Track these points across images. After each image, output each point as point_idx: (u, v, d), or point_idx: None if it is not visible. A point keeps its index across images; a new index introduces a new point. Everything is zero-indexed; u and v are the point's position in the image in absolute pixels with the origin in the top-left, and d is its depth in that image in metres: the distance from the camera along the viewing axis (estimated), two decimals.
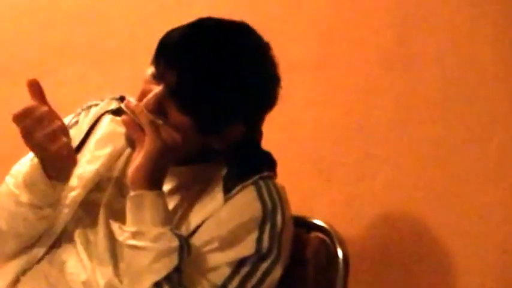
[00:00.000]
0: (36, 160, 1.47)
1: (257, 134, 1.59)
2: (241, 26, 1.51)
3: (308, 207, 1.73)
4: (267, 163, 1.56)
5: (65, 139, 1.42)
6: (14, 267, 1.55)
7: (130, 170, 1.44)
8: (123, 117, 1.47)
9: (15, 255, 1.56)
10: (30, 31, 2.33)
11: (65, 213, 1.55)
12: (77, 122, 1.64)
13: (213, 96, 1.43)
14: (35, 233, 1.54)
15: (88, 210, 1.54)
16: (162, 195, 1.44)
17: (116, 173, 1.57)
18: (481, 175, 1.87)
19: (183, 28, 1.47)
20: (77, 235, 1.53)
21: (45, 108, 1.40)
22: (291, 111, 1.95)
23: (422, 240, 1.90)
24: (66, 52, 2.28)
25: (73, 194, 1.55)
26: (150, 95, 1.44)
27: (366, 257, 1.91)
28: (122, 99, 1.55)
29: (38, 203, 1.49)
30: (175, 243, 1.38)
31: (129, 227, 1.41)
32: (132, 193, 1.43)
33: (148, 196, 1.42)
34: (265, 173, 1.52)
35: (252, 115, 1.52)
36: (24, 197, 1.48)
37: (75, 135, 1.60)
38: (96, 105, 1.66)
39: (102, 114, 1.63)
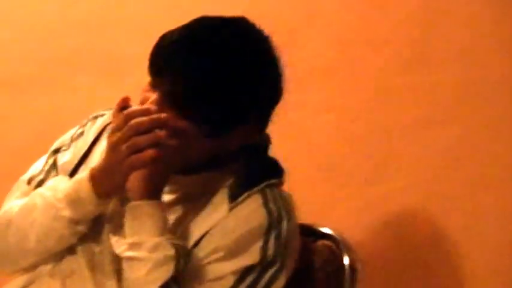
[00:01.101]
0: (83, 176, 1.46)
1: (264, 140, 1.57)
2: (238, 22, 1.48)
3: (320, 214, 1.74)
4: (274, 171, 1.54)
5: None
6: (19, 281, 1.55)
7: (129, 179, 1.43)
8: None
9: (26, 269, 1.55)
10: (38, 42, 2.32)
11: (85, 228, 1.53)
12: (82, 133, 1.64)
13: (212, 98, 1.41)
14: (63, 248, 1.52)
15: (93, 222, 1.52)
16: (159, 204, 1.43)
17: None
18: (497, 178, 1.87)
19: (175, 32, 1.46)
20: (81, 248, 1.51)
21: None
22: (302, 118, 1.96)
23: (437, 246, 1.90)
24: (74, 62, 2.28)
25: None
26: (147, 103, 1.42)
27: (379, 264, 1.91)
28: (123, 109, 1.49)
29: (78, 218, 1.48)
30: (171, 252, 1.37)
31: (127, 239, 1.41)
32: (129, 204, 1.43)
33: (146, 206, 1.41)
34: (272, 181, 1.50)
35: (257, 112, 1.49)
36: (67, 212, 1.47)
37: (81, 147, 1.60)
38: (102, 115, 1.64)
39: (108, 124, 1.60)
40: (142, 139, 1.38)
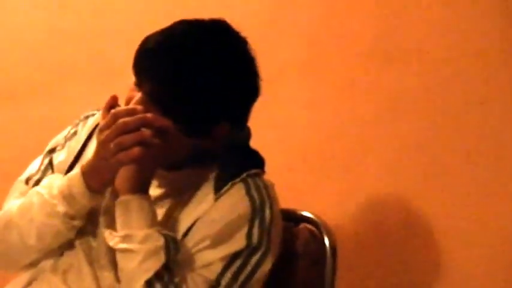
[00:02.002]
0: (75, 173, 1.51)
1: (245, 133, 1.62)
2: (216, 24, 1.52)
3: (300, 202, 1.75)
4: (255, 161, 1.59)
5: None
6: (23, 278, 1.58)
7: (118, 175, 1.49)
8: None
9: (29, 266, 1.58)
10: (31, 53, 2.36)
11: (81, 223, 1.56)
12: (75, 133, 1.68)
13: (190, 99, 1.46)
14: (60, 243, 1.56)
15: (90, 217, 1.56)
16: (147, 198, 1.48)
17: None
18: (464, 161, 1.94)
19: (158, 33, 1.50)
20: (79, 242, 1.55)
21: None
22: (281, 110, 2.01)
23: (410, 227, 1.96)
24: (68, 71, 2.31)
25: None
26: (131, 103, 1.47)
27: (357, 246, 1.96)
28: (113, 108, 1.55)
29: (74, 213, 1.52)
30: (161, 241, 1.43)
31: (119, 231, 1.46)
32: (118, 199, 1.48)
33: (134, 200, 1.46)
34: (253, 171, 1.55)
35: (235, 111, 1.54)
36: (61, 208, 1.50)
37: (75, 146, 1.64)
38: (93, 115, 1.69)
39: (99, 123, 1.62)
40: (129, 138, 1.42)
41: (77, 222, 1.53)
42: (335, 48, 2.07)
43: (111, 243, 1.47)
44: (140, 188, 1.48)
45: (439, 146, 1.96)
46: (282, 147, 2.02)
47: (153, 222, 1.47)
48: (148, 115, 1.43)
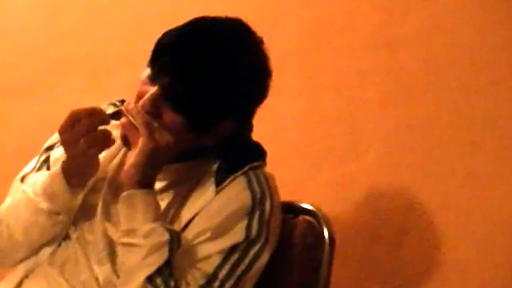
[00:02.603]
0: (56, 170, 1.53)
1: (248, 127, 1.63)
2: (235, 23, 1.55)
3: (299, 193, 1.78)
4: (257, 153, 1.61)
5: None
6: (20, 271, 1.60)
7: (124, 169, 1.50)
8: (122, 119, 1.52)
9: (22, 261, 1.60)
10: (29, 51, 2.38)
11: (66, 217, 1.58)
12: None
13: (206, 96, 1.48)
14: (48, 238, 1.58)
15: (85, 212, 1.58)
16: (153, 193, 1.49)
17: (109, 173, 1.61)
18: (463, 152, 1.94)
19: (177, 30, 1.52)
20: (76, 236, 1.57)
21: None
22: (279, 100, 1.93)
23: (408, 216, 1.96)
24: (64, 69, 2.33)
25: None
26: (146, 97, 1.49)
27: (355, 235, 1.97)
28: (122, 102, 1.59)
29: (57, 209, 1.54)
30: (165, 237, 1.43)
31: (122, 226, 1.47)
32: (123, 193, 1.48)
33: (140, 195, 1.47)
34: (255, 163, 1.56)
35: (244, 110, 1.57)
36: (44, 205, 1.53)
37: None
38: None
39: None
40: (96, 135, 1.48)
41: (61, 218, 1.55)
42: (333, 34, 2.07)
43: (114, 237, 1.49)
44: (146, 183, 1.49)
45: (438, 138, 1.96)
46: (280, 139, 2.03)
47: (157, 216, 1.47)
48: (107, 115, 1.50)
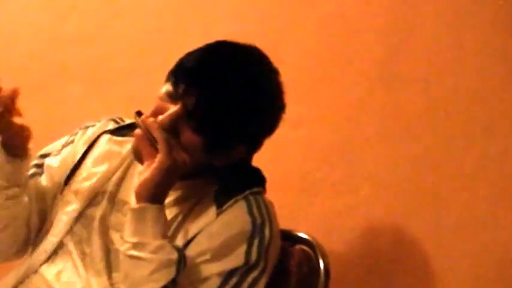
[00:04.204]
0: None
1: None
2: (255, 51, 1.58)
3: (294, 221, 1.78)
4: (257, 179, 1.63)
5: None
6: (13, 277, 1.61)
7: (137, 183, 1.49)
8: (137, 131, 1.52)
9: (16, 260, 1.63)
10: (32, 54, 2.38)
11: (62, 226, 1.61)
12: (72, 141, 1.71)
13: (228, 120, 1.50)
14: (8, 214, 1.59)
15: (84, 224, 1.60)
16: (163, 209, 1.49)
17: (110, 188, 1.62)
18: (457, 190, 1.95)
19: (202, 51, 1.54)
20: (73, 247, 1.58)
21: None
22: (278, 131, 1.94)
23: (400, 252, 1.97)
24: (67, 73, 2.33)
25: (69, 208, 1.61)
26: (167, 114, 1.49)
27: (348, 268, 1.97)
28: (138, 113, 1.55)
29: (4, 183, 1.55)
30: (174, 255, 1.44)
31: (130, 238, 1.46)
32: (135, 205, 1.48)
33: (151, 210, 1.47)
34: (255, 189, 1.58)
35: (258, 138, 1.59)
36: None
37: (70, 153, 1.68)
38: (93, 125, 1.72)
39: (100, 134, 1.69)
40: None
41: (12, 191, 1.57)
42: (337, 68, 2.09)
43: (121, 248, 1.48)
44: (158, 199, 1.49)
45: (434, 174, 1.97)
46: (280, 166, 2.03)
47: (165, 233, 1.48)
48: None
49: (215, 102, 1.49)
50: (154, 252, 1.43)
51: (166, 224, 1.50)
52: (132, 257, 1.45)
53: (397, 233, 1.98)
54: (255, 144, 1.60)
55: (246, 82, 1.52)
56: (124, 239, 1.47)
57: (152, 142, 1.49)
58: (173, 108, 1.50)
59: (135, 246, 1.45)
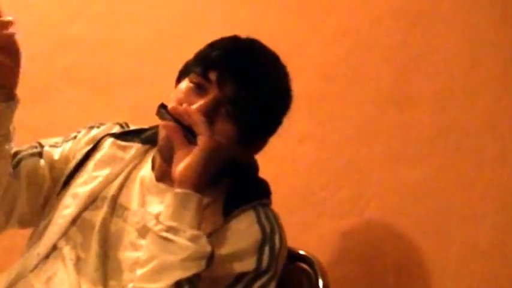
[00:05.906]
0: None
1: (253, 164, 1.64)
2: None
3: (298, 239, 1.74)
4: (264, 191, 1.61)
5: None
6: (4, 280, 1.57)
7: (180, 167, 1.43)
8: (166, 122, 1.48)
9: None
10: (35, 58, 2.28)
11: (56, 229, 1.57)
12: (75, 137, 1.69)
13: (266, 108, 1.50)
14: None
15: (80, 228, 1.56)
16: (202, 200, 1.45)
17: (111, 192, 1.58)
18: (465, 214, 1.93)
19: (228, 40, 1.54)
20: (67, 251, 1.53)
21: None
22: (285, 145, 2.01)
23: (404, 273, 1.95)
24: (72, 77, 2.32)
25: (66, 212, 1.57)
26: (204, 101, 1.46)
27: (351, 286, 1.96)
28: (163, 106, 1.50)
29: None
30: (208, 248, 1.40)
31: (167, 221, 1.41)
32: (178, 190, 1.43)
33: (194, 198, 1.42)
34: (263, 200, 1.57)
35: (276, 128, 1.60)
36: None
37: (72, 148, 1.66)
38: (98, 127, 1.70)
39: (103, 137, 1.67)
40: None
41: None
42: (347, 86, 2.08)
43: (155, 228, 1.42)
44: (200, 188, 1.44)
45: (440, 199, 1.96)
46: (284, 183, 2.01)
47: (200, 225, 1.43)
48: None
49: (255, 89, 1.49)
50: (190, 240, 1.39)
51: (202, 217, 1.45)
52: (165, 239, 1.40)
53: (400, 257, 1.96)
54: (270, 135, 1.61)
55: (283, 73, 1.55)
56: (158, 220, 1.42)
57: (185, 132, 1.45)
58: (211, 94, 1.48)
59: (170, 229, 1.40)
